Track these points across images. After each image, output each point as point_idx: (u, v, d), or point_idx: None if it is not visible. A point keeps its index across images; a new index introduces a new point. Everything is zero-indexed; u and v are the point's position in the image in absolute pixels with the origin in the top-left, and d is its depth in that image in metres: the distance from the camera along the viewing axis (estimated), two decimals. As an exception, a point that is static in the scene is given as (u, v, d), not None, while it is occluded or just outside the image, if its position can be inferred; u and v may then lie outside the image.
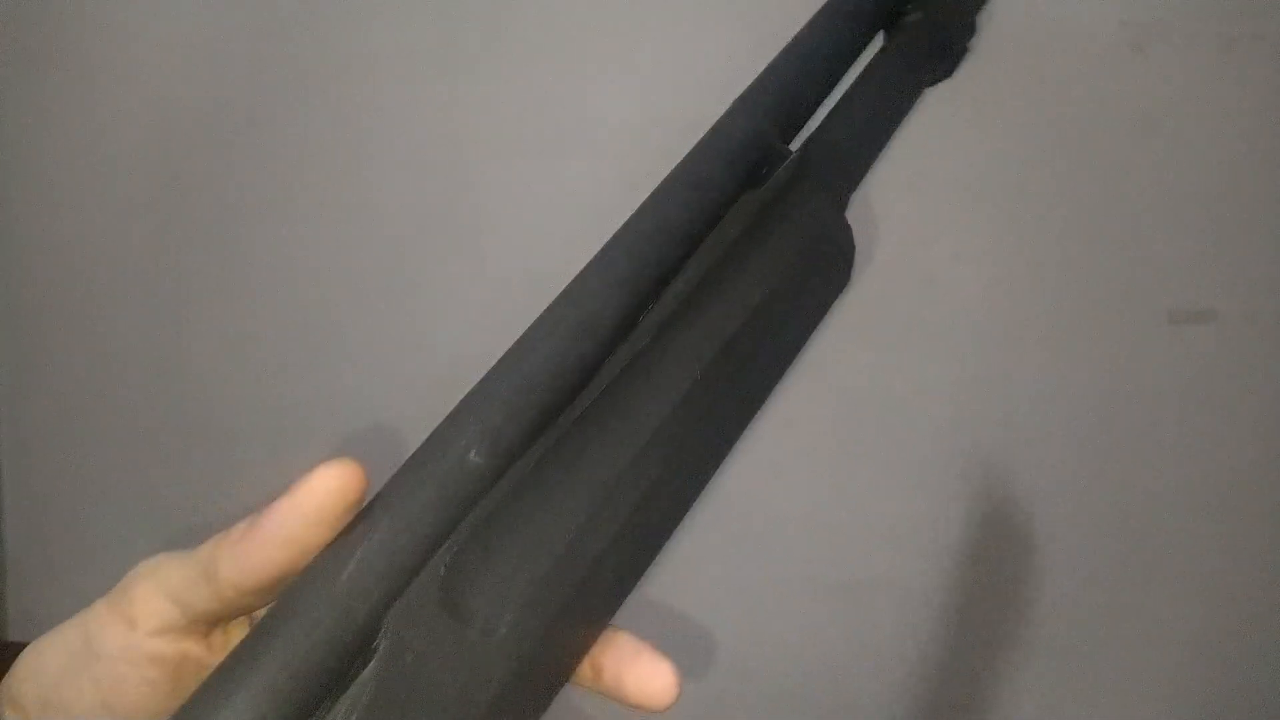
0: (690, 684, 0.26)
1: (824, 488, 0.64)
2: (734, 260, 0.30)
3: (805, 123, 0.34)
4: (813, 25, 0.37)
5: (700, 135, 0.33)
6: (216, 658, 0.22)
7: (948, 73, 0.43)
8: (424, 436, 0.25)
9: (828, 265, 0.32)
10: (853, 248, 0.33)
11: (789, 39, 0.37)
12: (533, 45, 0.63)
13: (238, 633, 0.27)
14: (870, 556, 0.64)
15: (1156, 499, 0.62)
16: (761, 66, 0.36)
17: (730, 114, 0.33)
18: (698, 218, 0.30)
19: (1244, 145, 0.58)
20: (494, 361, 0.27)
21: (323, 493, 0.24)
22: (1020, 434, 0.62)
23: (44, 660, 0.27)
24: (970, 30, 0.44)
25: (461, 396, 0.26)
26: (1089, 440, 0.62)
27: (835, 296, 0.33)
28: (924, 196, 0.60)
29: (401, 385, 0.66)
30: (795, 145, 0.35)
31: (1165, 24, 0.57)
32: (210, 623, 0.26)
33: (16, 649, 0.28)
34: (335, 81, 0.65)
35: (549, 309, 0.28)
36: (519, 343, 0.27)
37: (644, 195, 0.32)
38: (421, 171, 0.65)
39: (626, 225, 0.31)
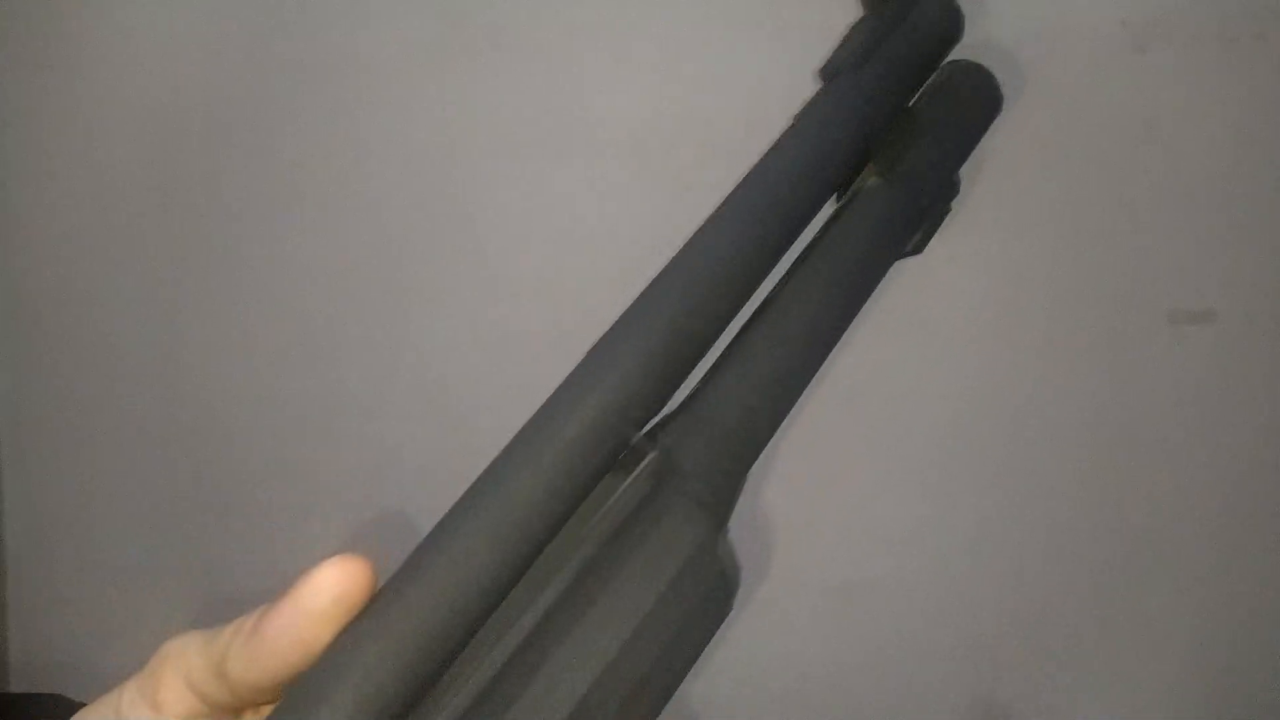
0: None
1: (824, 488, 0.64)
2: (567, 613, 0.23)
3: (689, 372, 0.27)
4: (719, 220, 0.27)
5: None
6: None
7: (918, 248, 0.33)
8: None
9: (698, 605, 0.25)
10: (736, 572, 0.26)
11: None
12: (533, 45, 0.62)
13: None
14: (870, 556, 0.64)
15: (1156, 499, 0.62)
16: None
17: (568, 394, 0.25)
18: (512, 555, 0.23)
19: (1245, 145, 0.58)
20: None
21: (325, 595, 0.23)
22: (1020, 434, 0.62)
23: None
24: (951, 189, 0.34)
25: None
26: (1088, 440, 0.62)
27: (711, 634, 0.26)
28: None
29: (400, 382, 0.66)
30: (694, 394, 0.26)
31: (1166, 24, 0.57)
32: (234, 712, 0.26)
33: (18, 700, 0.28)
34: (335, 80, 0.65)
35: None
36: None
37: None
38: (423, 171, 0.65)
39: (408, 565, 0.23)
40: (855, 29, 0.33)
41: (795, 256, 0.30)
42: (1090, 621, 0.63)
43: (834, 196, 0.32)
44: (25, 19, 0.66)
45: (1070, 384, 0.61)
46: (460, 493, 0.27)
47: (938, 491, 0.63)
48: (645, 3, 0.61)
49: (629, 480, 0.25)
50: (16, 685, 0.72)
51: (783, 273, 0.30)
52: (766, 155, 0.30)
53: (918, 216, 0.32)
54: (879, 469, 0.64)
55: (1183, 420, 0.61)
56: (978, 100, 0.36)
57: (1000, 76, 0.37)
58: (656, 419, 0.26)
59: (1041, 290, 0.61)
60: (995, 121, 0.37)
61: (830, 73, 0.32)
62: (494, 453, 0.30)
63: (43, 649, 0.73)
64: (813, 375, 0.29)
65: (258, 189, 0.66)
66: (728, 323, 0.27)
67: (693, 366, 0.27)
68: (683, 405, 0.27)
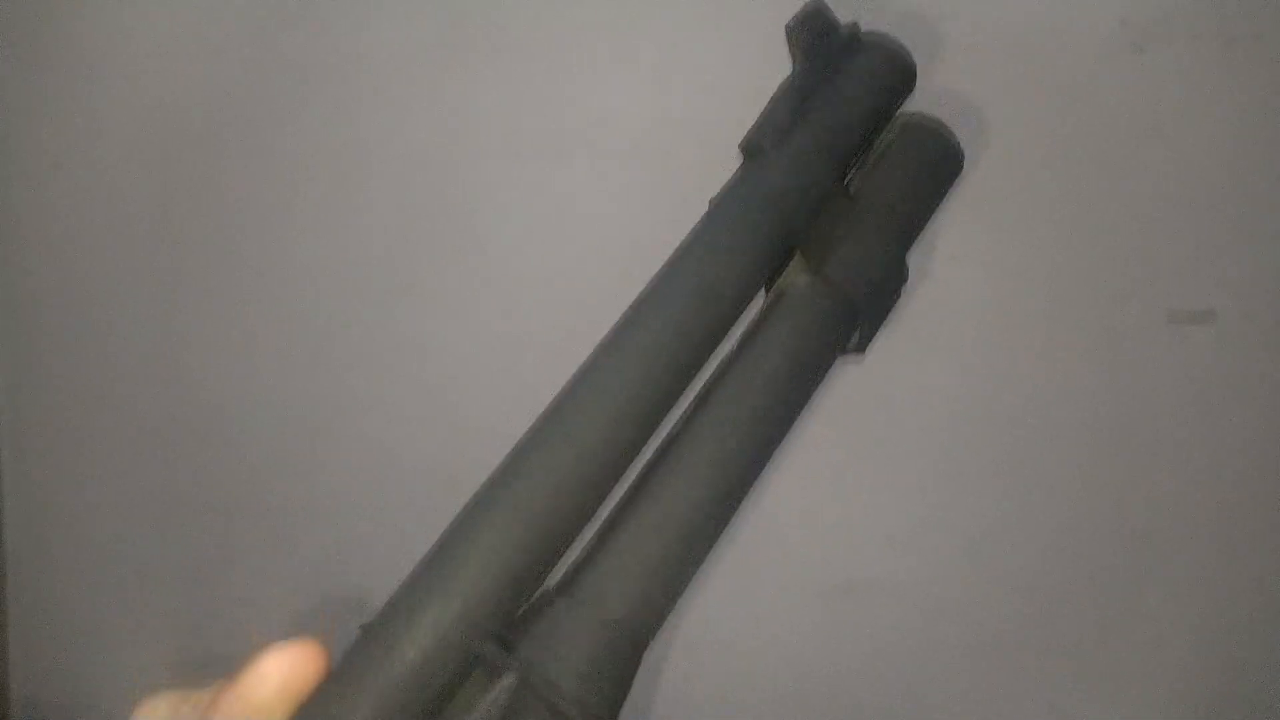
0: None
1: (824, 488, 0.64)
2: None
3: (561, 555, 0.23)
4: (608, 355, 0.22)
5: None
6: None
7: (860, 347, 0.27)
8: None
9: None
10: None
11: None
12: (534, 45, 0.62)
13: None
14: (870, 556, 0.64)
15: (1156, 499, 0.62)
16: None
17: (403, 606, 0.21)
18: None
19: (1244, 145, 0.58)
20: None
21: (268, 686, 0.23)
22: (1020, 434, 0.62)
23: None
24: (897, 278, 0.29)
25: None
26: (1088, 440, 0.62)
27: None
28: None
29: (400, 382, 0.66)
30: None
31: (1166, 24, 0.57)
32: None
33: None
34: (335, 80, 0.65)
35: None
36: None
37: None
38: (423, 171, 0.65)
39: None
40: (781, 92, 0.27)
41: (707, 377, 0.24)
42: (1090, 621, 0.63)
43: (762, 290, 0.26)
44: (25, 19, 0.66)
45: (1070, 384, 0.61)
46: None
47: (938, 491, 0.63)
48: (646, 3, 0.61)
49: (486, 701, 0.21)
50: (16, 716, 0.72)
51: (691, 399, 0.24)
52: (669, 264, 0.24)
53: (853, 317, 0.27)
54: (878, 468, 0.64)
55: (1183, 420, 0.61)
56: (930, 166, 0.30)
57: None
58: (524, 607, 0.22)
59: (1041, 290, 0.61)
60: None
61: (750, 149, 0.27)
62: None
63: (43, 662, 0.73)
64: (725, 526, 0.23)
65: (258, 189, 0.66)
66: (611, 486, 0.22)
67: (566, 546, 0.22)
68: (558, 588, 0.23)
